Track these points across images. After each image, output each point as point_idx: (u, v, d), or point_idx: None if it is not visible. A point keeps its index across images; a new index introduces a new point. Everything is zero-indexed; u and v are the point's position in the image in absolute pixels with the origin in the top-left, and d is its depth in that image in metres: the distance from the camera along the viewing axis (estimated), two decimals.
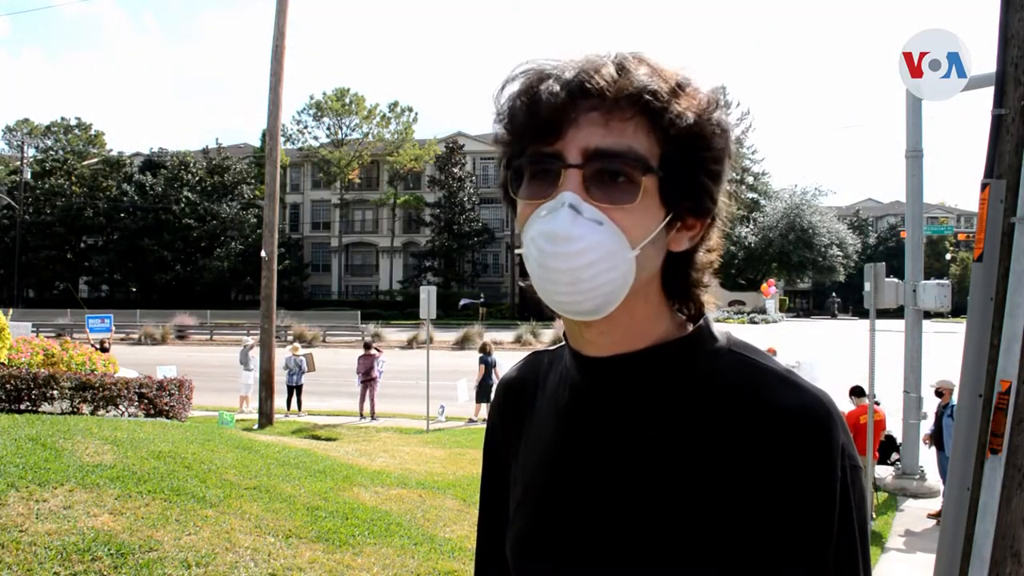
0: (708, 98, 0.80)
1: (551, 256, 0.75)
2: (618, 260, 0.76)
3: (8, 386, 8.95)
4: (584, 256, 0.75)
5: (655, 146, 0.77)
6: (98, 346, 14.61)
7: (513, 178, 0.82)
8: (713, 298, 0.88)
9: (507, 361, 15.25)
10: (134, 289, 50.12)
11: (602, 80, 0.76)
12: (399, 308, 44.92)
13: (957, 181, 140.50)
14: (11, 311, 17.54)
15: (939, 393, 8.39)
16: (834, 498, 0.75)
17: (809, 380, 0.81)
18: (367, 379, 14.16)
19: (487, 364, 13.94)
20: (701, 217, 0.82)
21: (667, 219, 0.79)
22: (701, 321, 0.87)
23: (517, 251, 0.83)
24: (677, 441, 0.80)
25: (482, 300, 42.66)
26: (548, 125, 0.77)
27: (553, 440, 0.90)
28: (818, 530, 0.75)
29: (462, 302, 40.87)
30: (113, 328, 18.49)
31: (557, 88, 0.76)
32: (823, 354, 19.23)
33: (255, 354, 15.01)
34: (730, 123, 0.82)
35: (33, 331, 19.37)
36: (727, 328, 0.89)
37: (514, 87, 0.80)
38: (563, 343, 0.93)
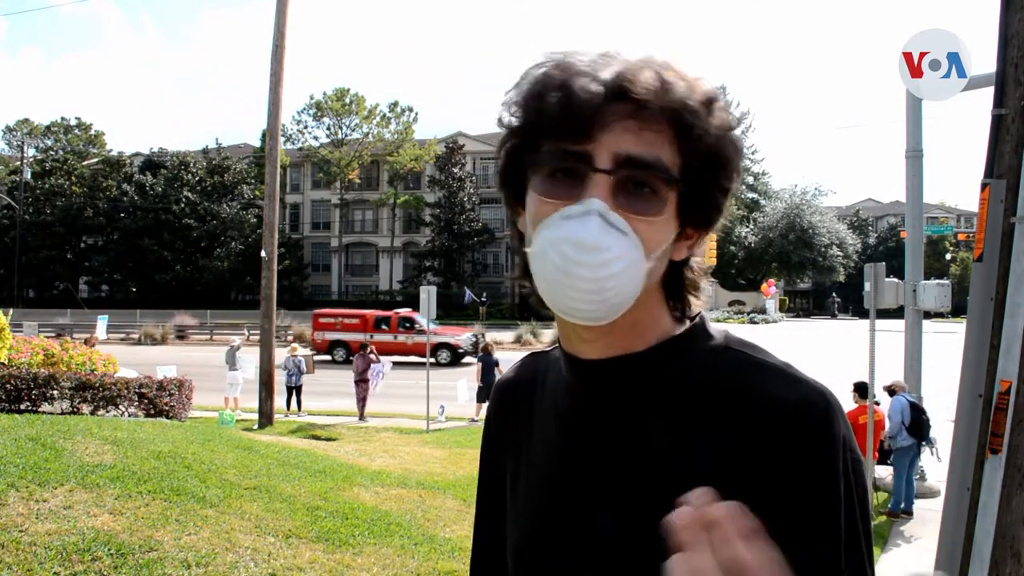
0: (733, 117, 0.81)
1: (577, 264, 0.73)
2: (637, 271, 0.75)
3: (8, 386, 8.96)
4: (611, 267, 0.73)
5: (677, 158, 0.77)
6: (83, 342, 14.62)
7: (517, 172, 0.80)
8: (703, 297, 0.88)
9: (508, 361, 15.24)
10: (134, 289, 50.08)
11: (642, 87, 0.74)
12: (399, 308, 44.86)
13: (957, 181, 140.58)
14: (11, 311, 17.55)
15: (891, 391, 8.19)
16: (839, 492, 0.75)
17: None
18: (360, 379, 14.17)
19: (486, 363, 13.96)
20: (706, 229, 0.83)
21: (679, 232, 0.80)
22: (697, 320, 0.86)
23: (526, 249, 0.79)
24: (679, 442, 0.80)
25: (484, 300, 42.47)
26: (581, 124, 0.74)
27: (555, 444, 0.89)
28: (825, 524, 0.74)
29: (467, 296, 40.65)
30: (106, 328, 18.61)
31: (594, 87, 0.74)
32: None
33: (243, 354, 15.02)
34: (743, 140, 0.83)
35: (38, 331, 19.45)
36: (725, 327, 0.89)
37: (540, 78, 0.77)
38: (558, 344, 0.91)
